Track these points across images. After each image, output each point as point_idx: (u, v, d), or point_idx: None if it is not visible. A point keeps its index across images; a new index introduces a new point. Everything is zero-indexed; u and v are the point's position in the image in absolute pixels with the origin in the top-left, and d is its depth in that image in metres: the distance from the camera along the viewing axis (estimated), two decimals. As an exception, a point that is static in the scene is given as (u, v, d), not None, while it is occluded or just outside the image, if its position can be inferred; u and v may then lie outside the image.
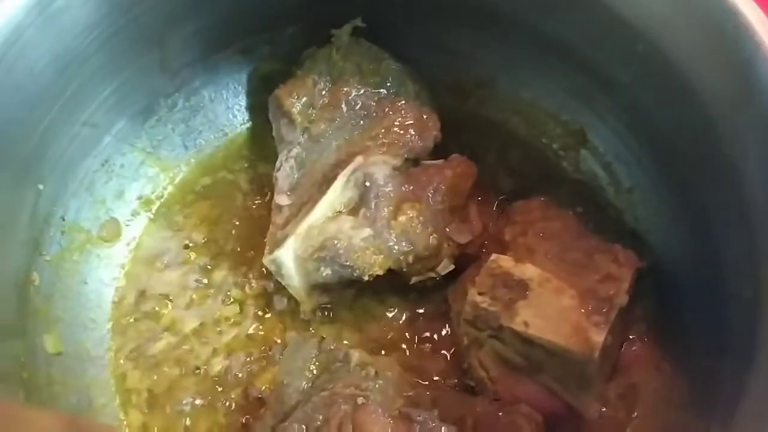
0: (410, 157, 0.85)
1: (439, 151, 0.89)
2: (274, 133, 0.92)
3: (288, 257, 0.80)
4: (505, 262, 0.77)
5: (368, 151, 0.83)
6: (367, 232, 0.80)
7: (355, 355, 0.78)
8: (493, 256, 0.79)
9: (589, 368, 0.72)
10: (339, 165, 0.83)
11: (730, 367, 0.64)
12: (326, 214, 0.81)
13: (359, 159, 0.82)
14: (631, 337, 0.83)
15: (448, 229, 0.83)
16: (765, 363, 0.57)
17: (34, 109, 0.73)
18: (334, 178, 0.81)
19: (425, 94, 0.91)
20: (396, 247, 0.80)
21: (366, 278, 0.81)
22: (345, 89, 0.87)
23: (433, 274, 0.84)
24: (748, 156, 0.66)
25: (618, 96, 0.84)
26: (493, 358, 0.78)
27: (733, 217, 0.70)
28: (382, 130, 0.85)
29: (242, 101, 1.00)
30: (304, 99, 0.88)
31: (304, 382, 0.78)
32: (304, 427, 0.73)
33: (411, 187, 0.83)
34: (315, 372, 0.78)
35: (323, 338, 0.82)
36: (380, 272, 0.81)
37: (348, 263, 0.79)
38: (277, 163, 0.89)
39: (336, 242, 0.79)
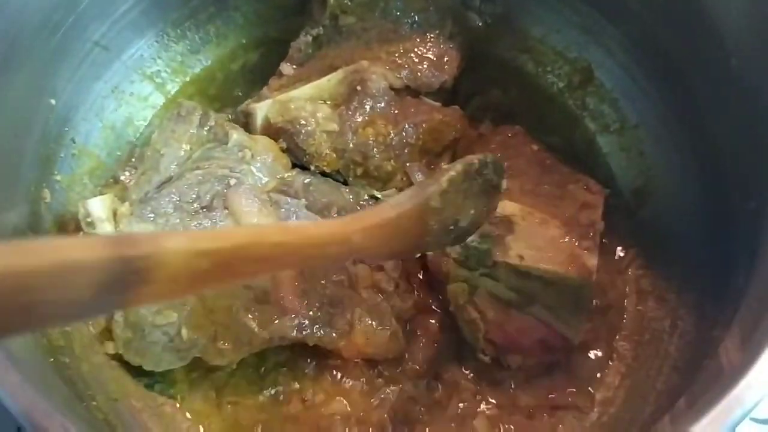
0: (411, 86, 0.85)
1: (445, 93, 0.89)
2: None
3: (260, 114, 0.84)
4: None
5: (378, 61, 0.84)
6: (333, 127, 0.81)
7: (234, 136, 0.79)
8: None
9: (585, 292, 0.73)
10: (347, 61, 0.84)
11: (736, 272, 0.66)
12: (311, 96, 0.83)
13: (364, 63, 0.82)
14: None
15: (408, 164, 0.83)
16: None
17: (52, 15, 0.73)
18: (336, 69, 0.83)
19: (460, 39, 0.90)
20: (349, 154, 0.81)
21: (312, 168, 0.82)
22: None
23: (377, 194, 0.83)
24: (763, 81, 0.66)
25: (629, 28, 0.85)
26: (488, 299, 0.77)
27: (743, 141, 0.71)
28: (401, 50, 0.86)
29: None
30: None
31: (182, 153, 0.79)
32: (177, 198, 0.75)
33: (395, 111, 0.83)
34: (191, 148, 0.79)
35: (206, 113, 0.82)
36: (327, 169, 0.82)
37: (302, 146, 0.81)
38: (300, 35, 0.89)
39: (303, 122, 0.81)
